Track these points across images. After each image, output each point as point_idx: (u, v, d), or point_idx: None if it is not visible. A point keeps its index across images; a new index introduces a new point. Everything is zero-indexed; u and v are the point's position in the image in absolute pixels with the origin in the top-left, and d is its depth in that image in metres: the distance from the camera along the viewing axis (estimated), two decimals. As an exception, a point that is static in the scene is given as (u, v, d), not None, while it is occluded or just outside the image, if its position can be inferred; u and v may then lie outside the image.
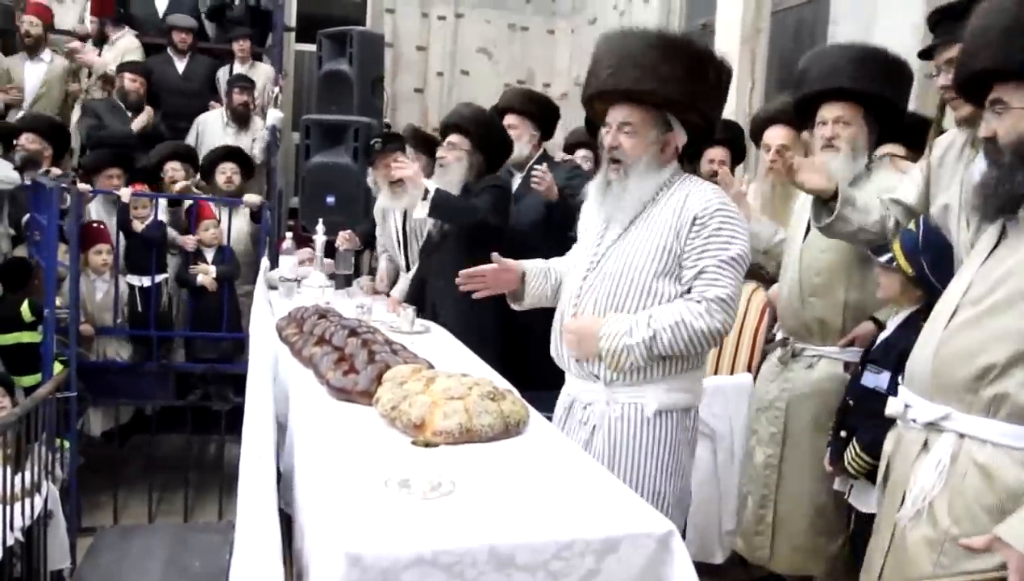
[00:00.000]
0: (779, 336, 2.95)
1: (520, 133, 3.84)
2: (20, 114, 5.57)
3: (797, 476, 2.74)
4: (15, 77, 5.80)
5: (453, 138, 3.52)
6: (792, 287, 2.76)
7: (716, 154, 3.67)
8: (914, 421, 1.79)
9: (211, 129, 5.85)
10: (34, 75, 5.84)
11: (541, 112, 3.99)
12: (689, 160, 3.20)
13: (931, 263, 2.26)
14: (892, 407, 1.87)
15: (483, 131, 3.53)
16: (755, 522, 2.84)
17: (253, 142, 5.84)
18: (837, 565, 2.69)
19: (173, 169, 5.08)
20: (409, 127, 4.54)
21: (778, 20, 5.35)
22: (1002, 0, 1.69)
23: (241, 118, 5.81)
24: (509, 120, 3.86)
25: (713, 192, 2.17)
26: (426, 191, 3.23)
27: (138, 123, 5.60)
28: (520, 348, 3.13)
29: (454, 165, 3.46)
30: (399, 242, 4.05)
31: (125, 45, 6.12)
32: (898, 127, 2.73)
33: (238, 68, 6.24)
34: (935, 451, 1.73)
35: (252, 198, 5.07)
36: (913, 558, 1.74)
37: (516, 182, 3.87)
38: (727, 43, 5.40)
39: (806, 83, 2.73)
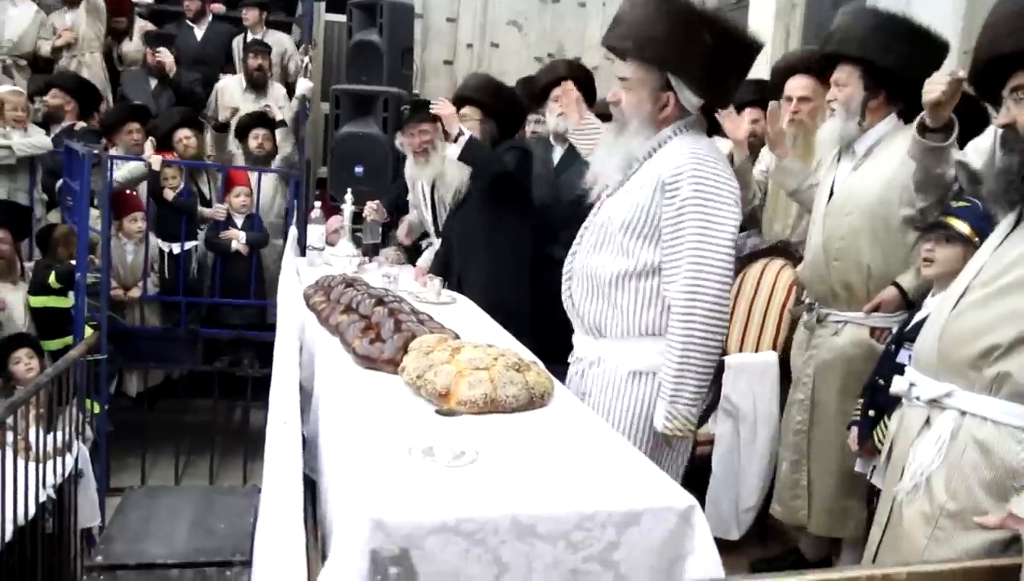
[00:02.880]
0: (807, 302, 2.94)
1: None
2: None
3: (825, 441, 2.78)
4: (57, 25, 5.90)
5: (465, 110, 3.59)
6: (816, 252, 2.77)
7: (748, 115, 3.57)
8: (918, 399, 1.82)
9: (230, 95, 5.84)
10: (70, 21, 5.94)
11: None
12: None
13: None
14: (897, 385, 1.91)
15: (492, 100, 3.60)
16: (791, 486, 2.89)
17: (279, 108, 5.84)
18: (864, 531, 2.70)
19: (185, 137, 5.09)
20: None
21: (815, -6, 5.26)
22: None
23: (258, 83, 5.78)
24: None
25: (691, 153, 2.08)
26: (460, 132, 3.29)
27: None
28: (546, 316, 3.14)
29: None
30: (428, 209, 4.06)
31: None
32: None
33: (252, 36, 6.22)
34: (936, 427, 1.76)
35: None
36: (908, 532, 1.78)
37: (557, 155, 3.86)
38: (761, 18, 5.32)
39: (828, 42, 2.74)
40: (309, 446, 2.19)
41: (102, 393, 4.23)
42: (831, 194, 2.75)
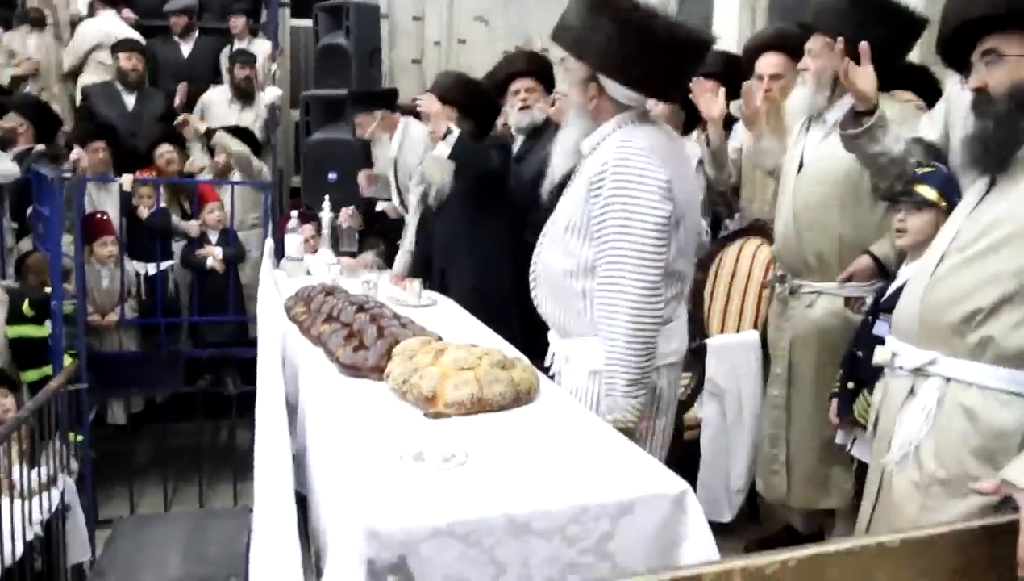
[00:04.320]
0: (779, 274, 2.93)
1: (537, 98, 3.70)
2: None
3: (805, 413, 2.78)
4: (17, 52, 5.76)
5: (441, 110, 3.50)
6: (787, 223, 2.77)
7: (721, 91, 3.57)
8: (901, 368, 1.83)
9: (216, 107, 5.75)
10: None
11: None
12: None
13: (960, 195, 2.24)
14: (880, 356, 1.91)
15: (468, 98, 3.52)
16: (770, 461, 2.90)
17: (256, 119, 5.79)
18: (855, 501, 2.71)
19: (167, 152, 5.03)
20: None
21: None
22: None
23: (245, 93, 5.71)
24: (525, 83, 3.68)
25: (618, 149, 2.04)
26: (448, 130, 3.22)
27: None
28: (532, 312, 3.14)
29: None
30: (395, 192, 4.05)
31: (107, 26, 5.92)
32: (892, 70, 2.69)
33: (238, 45, 6.15)
34: (921, 396, 1.77)
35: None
36: (899, 502, 1.78)
37: (516, 147, 3.84)
38: (726, 4, 5.31)
39: (804, 12, 2.75)
40: (297, 461, 2.18)
41: (84, 423, 4.17)
42: (801, 164, 2.74)
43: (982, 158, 1.72)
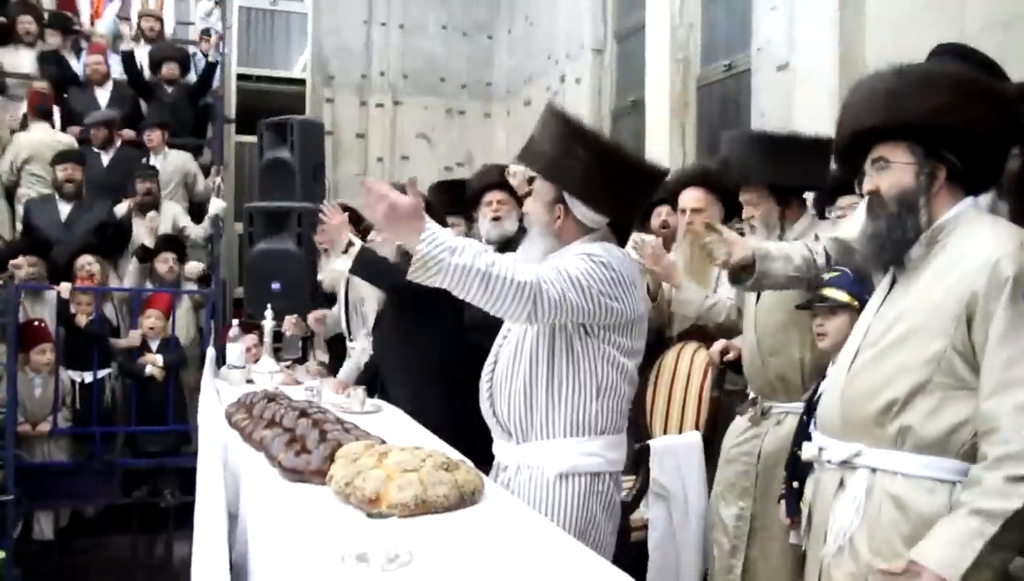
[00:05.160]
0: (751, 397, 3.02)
1: (509, 210, 3.75)
2: None
3: (773, 527, 2.81)
4: None
5: (501, 197, 3.64)
6: (752, 348, 2.89)
7: (662, 210, 3.80)
8: (829, 462, 1.89)
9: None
10: None
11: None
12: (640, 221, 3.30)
13: (870, 293, 2.35)
14: (807, 452, 1.98)
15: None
16: (726, 571, 2.90)
17: (183, 229, 5.80)
18: None
19: (88, 263, 5.01)
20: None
21: (704, 93, 5.60)
22: (885, 71, 1.87)
23: (145, 206, 5.74)
24: (498, 196, 3.75)
25: (575, 254, 2.13)
26: (350, 244, 3.22)
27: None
28: (473, 425, 3.12)
29: (384, 247, 3.47)
30: (342, 309, 4.06)
31: (39, 137, 6.00)
32: (823, 188, 2.90)
33: (152, 159, 6.25)
34: (851, 487, 1.82)
35: (194, 267, 5.04)
36: None
37: None
38: (657, 117, 5.62)
39: (726, 171, 2.97)
40: (236, 571, 2.12)
41: (8, 538, 3.99)
42: (759, 295, 2.85)
43: (879, 255, 1.86)
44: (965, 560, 1.57)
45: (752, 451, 2.88)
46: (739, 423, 2.99)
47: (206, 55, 6.89)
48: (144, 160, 6.21)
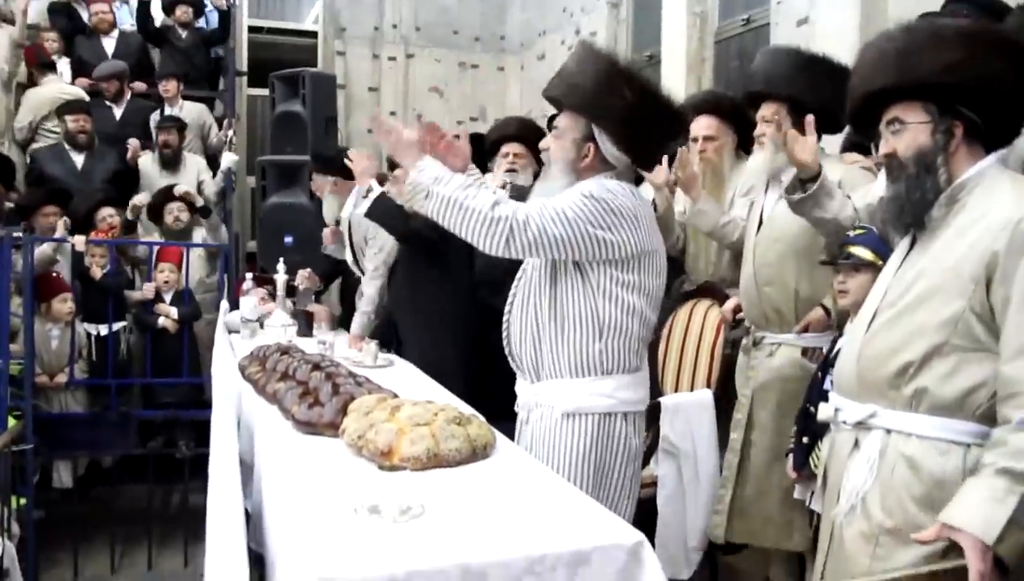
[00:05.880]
0: (744, 325, 3.08)
1: (526, 164, 3.70)
2: None
3: (765, 458, 2.87)
4: None
5: (518, 149, 3.63)
6: (749, 278, 2.92)
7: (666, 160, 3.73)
8: (844, 423, 1.89)
9: (146, 174, 5.79)
10: None
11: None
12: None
13: None
14: (823, 412, 1.98)
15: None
16: (715, 501, 2.99)
17: (200, 181, 5.78)
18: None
19: (109, 216, 5.01)
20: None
21: (721, 48, 5.51)
22: (893, 29, 1.83)
23: (167, 160, 5.74)
24: (515, 148, 3.72)
25: (574, 191, 2.14)
26: (370, 189, 3.27)
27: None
28: (484, 379, 3.14)
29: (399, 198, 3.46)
30: (348, 248, 4.07)
31: (52, 92, 5.96)
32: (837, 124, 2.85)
33: (168, 110, 6.20)
34: (865, 448, 1.83)
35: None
36: (850, 553, 1.82)
37: None
38: (673, 73, 5.54)
39: (752, 81, 2.93)
40: (254, 520, 2.15)
41: (28, 485, 4.06)
42: (760, 223, 2.89)
43: (899, 218, 1.83)
44: (1000, 518, 1.55)
45: (747, 384, 2.93)
46: (740, 360, 3.05)
47: (218, 7, 6.81)
48: (159, 112, 6.18)
